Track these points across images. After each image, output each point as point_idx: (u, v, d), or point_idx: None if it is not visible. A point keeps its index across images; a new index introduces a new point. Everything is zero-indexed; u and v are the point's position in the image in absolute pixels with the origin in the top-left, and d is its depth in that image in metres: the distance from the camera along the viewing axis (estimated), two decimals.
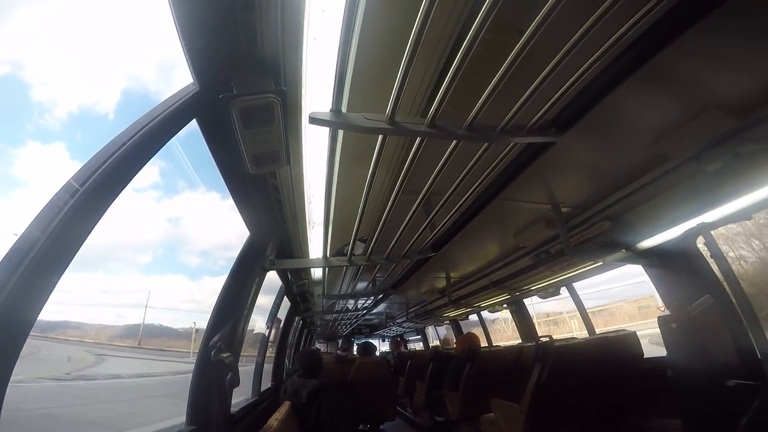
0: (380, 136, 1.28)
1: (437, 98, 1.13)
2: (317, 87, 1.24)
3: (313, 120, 1.13)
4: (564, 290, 4.59)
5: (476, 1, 0.96)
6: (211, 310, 2.07)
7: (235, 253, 2.23)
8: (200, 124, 1.32)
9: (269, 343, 4.65)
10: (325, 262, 2.63)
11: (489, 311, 6.25)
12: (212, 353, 1.89)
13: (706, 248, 2.42)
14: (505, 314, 6.80)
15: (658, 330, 2.44)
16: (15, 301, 0.85)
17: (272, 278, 3.48)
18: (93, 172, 1.02)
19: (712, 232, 2.34)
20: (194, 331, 29.93)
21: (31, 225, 0.92)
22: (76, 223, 0.97)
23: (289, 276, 3.67)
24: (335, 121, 1.14)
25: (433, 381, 5.36)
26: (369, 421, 4.45)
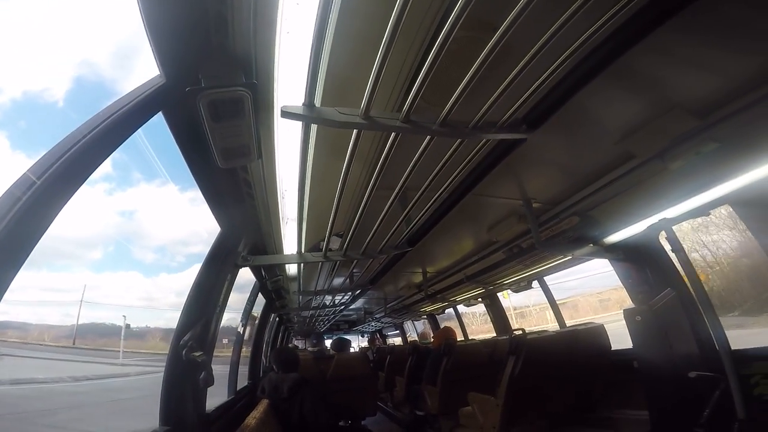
0: (355, 130, 1.27)
1: (412, 93, 1.13)
2: (290, 80, 1.22)
3: (285, 114, 1.10)
4: (536, 284, 4.72)
5: None
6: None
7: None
8: (167, 117, 1.27)
9: (244, 341, 4.57)
10: (300, 258, 2.59)
11: (464, 305, 6.36)
12: (183, 352, 1.84)
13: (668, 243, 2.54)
14: (473, 309, 6.94)
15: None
16: None
17: (246, 275, 3.42)
18: (52, 164, 0.96)
19: (673, 228, 2.46)
20: (124, 327, 28.44)
21: None
22: (31, 218, 0.91)
23: (263, 272, 3.61)
24: (308, 116, 1.12)
25: (412, 376, 5.41)
26: (350, 417, 4.45)
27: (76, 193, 1.04)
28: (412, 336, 11.12)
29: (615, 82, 1.51)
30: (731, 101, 1.67)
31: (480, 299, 5.77)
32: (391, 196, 1.88)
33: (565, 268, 4.19)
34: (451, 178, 1.81)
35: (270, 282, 3.78)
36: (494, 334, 5.81)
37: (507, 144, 1.75)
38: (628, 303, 2.83)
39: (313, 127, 1.46)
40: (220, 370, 2.04)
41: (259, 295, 4.11)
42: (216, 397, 2.59)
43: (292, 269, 3.76)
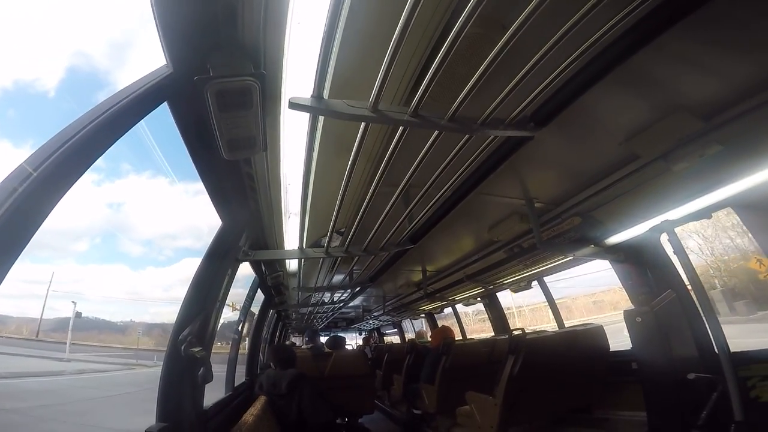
0: (362, 124, 1.26)
1: (421, 88, 1.12)
2: (299, 72, 1.21)
3: (293, 105, 1.09)
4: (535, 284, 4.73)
5: None
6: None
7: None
8: (171, 107, 1.25)
9: (242, 337, 4.56)
10: (301, 253, 2.58)
11: (463, 304, 6.36)
12: (182, 347, 1.82)
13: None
14: (467, 308, 6.96)
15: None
16: None
17: (246, 270, 3.41)
18: (50, 155, 0.94)
19: (675, 230, 2.46)
20: (73, 317, 26.68)
21: None
22: (28, 210, 0.89)
23: (264, 268, 3.60)
24: (316, 107, 1.11)
25: (410, 374, 5.41)
26: (347, 415, 4.44)
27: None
28: (410, 335, 11.12)
29: (622, 83, 1.51)
30: (736, 104, 1.68)
31: (479, 299, 5.77)
32: (394, 193, 1.87)
33: (565, 269, 4.20)
34: (455, 176, 1.81)
35: (270, 278, 3.77)
36: (488, 334, 5.82)
37: (513, 142, 1.74)
38: (622, 306, 2.83)
39: (320, 121, 1.46)
40: (216, 369, 2.01)
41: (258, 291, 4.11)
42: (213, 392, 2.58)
43: (292, 265, 3.75)
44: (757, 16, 1.26)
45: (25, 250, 0.92)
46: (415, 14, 0.87)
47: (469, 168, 1.73)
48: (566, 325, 4.53)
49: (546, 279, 4.62)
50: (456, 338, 4.88)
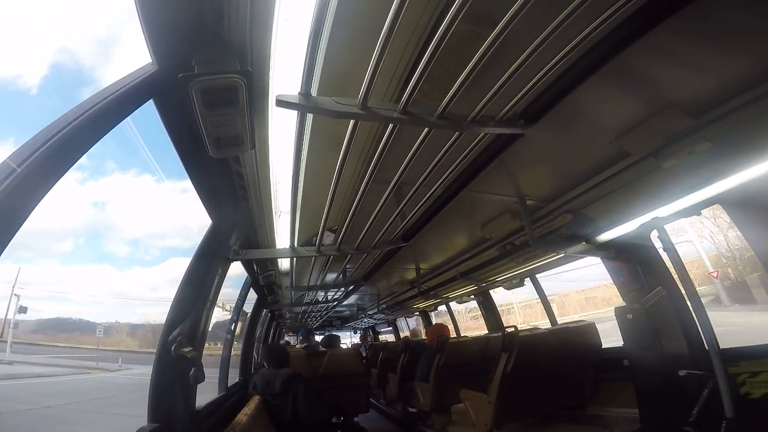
0: (351, 122, 1.25)
1: (410, 85, 1.11)
2: (287, 69, 1.20)
3: (281, 103, 1.08)
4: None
5: None
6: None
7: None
8: (158, 105, 1.23)
9: (235, 337, 4.52)
10: (293, 252, 2.57)
11: (457, 302, 6.38)
12: (173, 348, 1.81)
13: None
14: (459, 306, 6.98)
15: None
16: None
17: (238, 270, 3.38)
18: (34, 151, 0.93)
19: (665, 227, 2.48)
20: (15, 312, 25.35)
21: None
22: (10, 207, 0.88)
23: (255, 267, 3.57)
24: (304, 105, 1.10)
25: (405, 373, 5.42)
26: (343, 414, 4.43)
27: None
28: (405, 333, 11.13)
29: (611, 81, 1.51)
30: (725, 101, 1.69)
31: (473, 296, 5.79)
32: (386, 191, 1.86)
33: (557, 266, 4.22)
34: (446, 174, 1.80)
35: (262, 277, 3.74)
36: (481, 331, 5.83)
37: (504, 139, 1.74)
38: (614, 302, 2.85)
39: (309, 118, 1.44)
40: (209, 373, 1.99)
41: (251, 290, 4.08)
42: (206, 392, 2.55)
43: (284, 264, 3.73)
44: (747, 13, 1.27)
45: (9, 251, 0.90)
46: (404, 10, 0.87)
47: (460, 165, 1.72)
48: (560, 322, 4.56)
49: (538, 276, 4.64)
50: (450, 336, 4.90)
